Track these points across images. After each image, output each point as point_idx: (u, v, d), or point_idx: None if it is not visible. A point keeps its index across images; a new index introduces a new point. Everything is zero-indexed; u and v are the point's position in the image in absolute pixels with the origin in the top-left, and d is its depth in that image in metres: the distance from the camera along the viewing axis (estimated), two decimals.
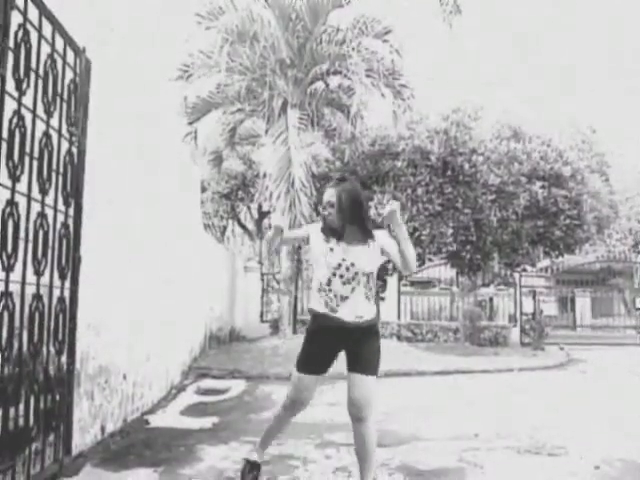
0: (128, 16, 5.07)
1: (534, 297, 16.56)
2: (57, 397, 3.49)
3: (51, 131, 3.29)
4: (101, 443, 4.33)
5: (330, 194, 3.19)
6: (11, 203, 2.85)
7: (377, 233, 3.24)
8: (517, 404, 6.80)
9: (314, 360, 3.28)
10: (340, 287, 3.19)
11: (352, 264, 3.17)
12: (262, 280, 17.39)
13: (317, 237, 3.26)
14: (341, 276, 3.18)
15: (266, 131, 12.45)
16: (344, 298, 3.19)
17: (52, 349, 3.39)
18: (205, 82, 12.62)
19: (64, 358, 3.56)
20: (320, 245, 3.23)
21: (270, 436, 3.52)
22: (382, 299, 16.05)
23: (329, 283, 3.20)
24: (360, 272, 3.18)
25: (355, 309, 3.18)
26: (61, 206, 3.46)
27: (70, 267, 3.61)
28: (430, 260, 16.19)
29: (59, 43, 3.35)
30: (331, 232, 3.23)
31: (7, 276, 2.79)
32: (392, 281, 15.98)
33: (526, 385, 8.64)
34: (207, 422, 5.38)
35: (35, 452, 3.23)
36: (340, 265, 3.18)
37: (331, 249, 3.20)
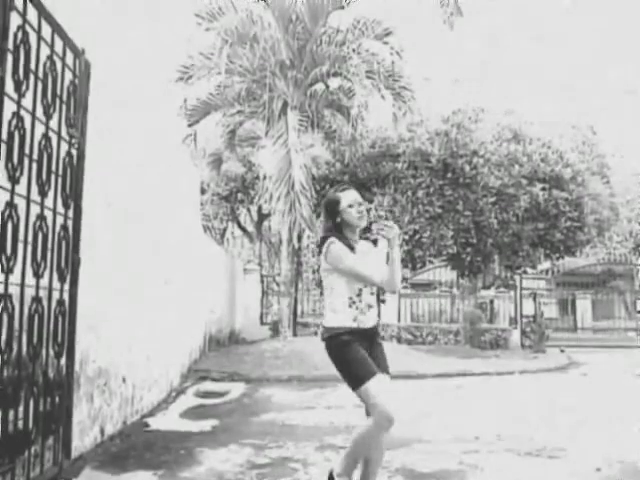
0: (127, 18, 5.08)
1: (534, 299, 16.53)
2: (56, 400, 3.47)
3: (50, 133, 3.28)
4: (100, 446, 4.32)
5: (357, 194, 3.22)
6: (10, 205, 2.84)
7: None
8: (518, 407, 6.78)
9: (368, 361, 3.05)
10: (369, 297, 3.17)
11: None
12: (262, 282, 17.38)
13: (346, 250, 3.12)
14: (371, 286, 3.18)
15: (266, 133, 12.44)
16: (370, 307, 3.17)
17: (51, 351, 3.38)
18: (205, 84, 12.63)
19: (63, 360, 3.55)
20: (350, 257, 3.12)
21: (357, 461, 3.17)
22: (382, 301, 16.03)
23: (360, 293, 3.14)
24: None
25: (374, 316, 3.20)
26: (60, 208, 3.45)
27: (69, 269, 3.60)
28: (431, 262, 16.18)
29: (58, 45, 3.34)
30: (351, 238, 3.19)
31: (6, 278, 2.78)
32: None
33: (527, 388, 8.63)
34: (207, 425, 5.37)
35: (34, 455, 3.22)
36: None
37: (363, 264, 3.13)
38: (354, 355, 3.03)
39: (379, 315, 3.29)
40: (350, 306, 3.13)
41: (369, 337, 3.17)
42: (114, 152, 4.52)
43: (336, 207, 3.20)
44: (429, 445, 4.70)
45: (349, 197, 3.19)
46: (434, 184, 14.60)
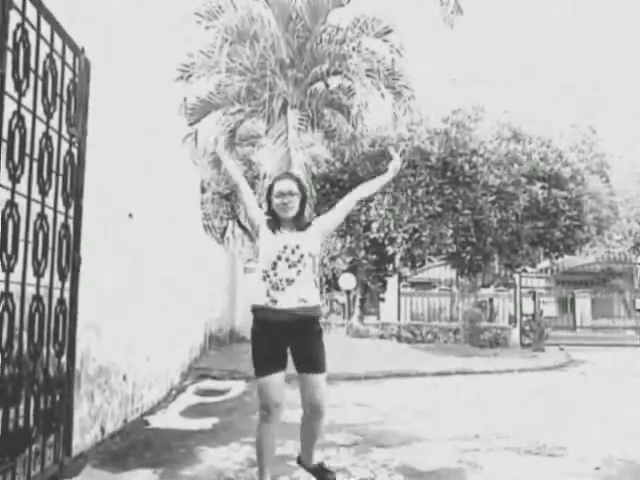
0: (127, 16, 5.07)
1: (534, 298, 16.55)
2: (57, 398, 3.48)
3: (51, 132, 3.28)
4: (101, 444, 4.33)
5: (290, 184, 3.31)
6: (11, 204, 2.84)
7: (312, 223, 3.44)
8: (517, 405, 6.79)
9: (269, 359, 3.21)
10: (286, 270, 3.20)
11: (297, 246, 3.23)
12: None
13: (265, 227, 3.32)
14: (287, 259, 3.21)
15: (266, 132, 12.45)
16: (290, 281, 3.19)
17: (52, 350, 3.39)
18: (205, 83, 12.64)
19: (64, 359, 3.56)
20: (267, 234, 3.30)
21: (264, 459, 3.27)
22: (382, 300, 16.05)
23: (274, 267, 3.21)
24: (306, 254, 3.23)
25: (299, 292, 3.19)
26: (61, 207, 3.45)
27: (70, 268, 3.60)
28: (430, 261, 16.19)
29: (58, 43, 3.34)
30: (276, 223, 3.31)
31: (7, 277, 2.79)
32: (392, 282, 15.96)
33: (526, 386, 8.64)
34: (207, 423, 5.37)
35: (35, 453, 3.22)
36: (286, 247, 3.22)
37: (276, 236, 3.28)
38: (258, 348, 3.24)
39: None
40: (264, 279, 3.23)
41: (292, 324, 3.18)
42: (114, 151, 4.52)
43: (269, 194, 3.35)
44: (429, 443, 4.71)
45: (278, 187, 3.30)
46: (434, 183, 14.60)
